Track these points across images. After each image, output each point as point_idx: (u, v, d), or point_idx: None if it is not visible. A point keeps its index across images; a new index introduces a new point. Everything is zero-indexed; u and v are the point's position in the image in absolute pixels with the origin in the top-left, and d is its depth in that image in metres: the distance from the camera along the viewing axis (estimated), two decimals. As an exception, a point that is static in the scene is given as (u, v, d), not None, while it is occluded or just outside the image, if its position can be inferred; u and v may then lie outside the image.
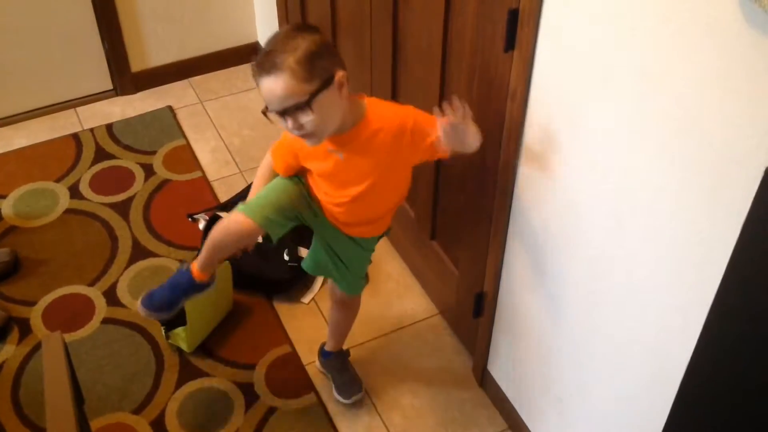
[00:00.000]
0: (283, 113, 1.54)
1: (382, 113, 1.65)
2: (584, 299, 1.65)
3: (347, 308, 2.14)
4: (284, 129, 1.60)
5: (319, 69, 1.51)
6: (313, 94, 1.51)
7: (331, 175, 1.73)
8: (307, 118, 1.53)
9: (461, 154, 1.72)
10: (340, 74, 1.54)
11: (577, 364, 1.76)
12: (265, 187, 1.83)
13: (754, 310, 1.06)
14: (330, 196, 1.77)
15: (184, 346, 2.29)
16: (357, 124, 1.63)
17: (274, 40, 1.54)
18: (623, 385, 1.61)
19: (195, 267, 1.87)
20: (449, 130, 1.53)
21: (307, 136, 1.58)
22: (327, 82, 1.53)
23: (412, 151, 1.66)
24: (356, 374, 2.25)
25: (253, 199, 1.80)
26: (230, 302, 2.43)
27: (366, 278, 2.03)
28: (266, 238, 1.81)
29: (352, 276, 1.98)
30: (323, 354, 2.26)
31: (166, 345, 2.33)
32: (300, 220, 1.83)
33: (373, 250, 1.96)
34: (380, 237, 1.93)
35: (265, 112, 1.59)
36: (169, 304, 1.91)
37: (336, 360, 2.24)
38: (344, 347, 2.25)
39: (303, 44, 1.50)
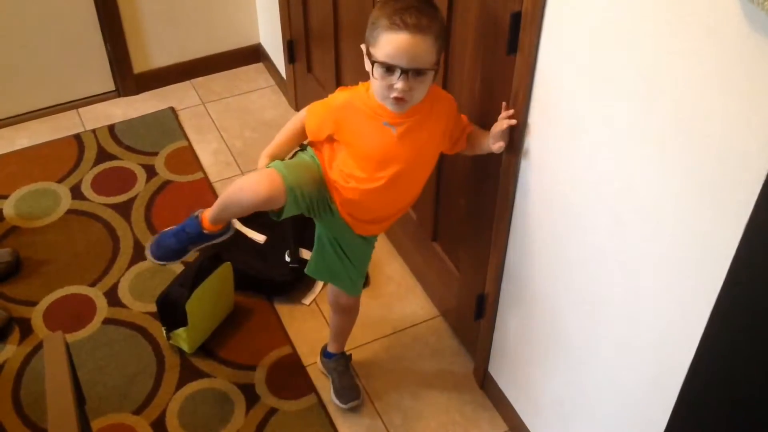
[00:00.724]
0: (406, 71, 1.56)
1: (439, 92, 1.73)
2: (585, 302, 1.65)
3: (348, 312, 2.14)
4: (382, 88, 1.60)
5: (443, 46, 1.62)
6: (437, 62, 1.61)
7: (375, 151, 1.70)
8: (422, 84, 1.60)
9: (473, 154, 1.75)
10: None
11: (579, 366, 1.76)
12: (295, 161, 1.77)
13: (756, 312, 1.06)
14: (361, 181, 1.72)
15: (185, 347, 2.29)
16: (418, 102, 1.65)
17: (411, 5, 1.54)
18: (624, 387, 1.61)
19: (205, 216, 1.83)
20: (502, 132, 1.66)
21: (401, 100, 1.61)
22: (439, 63, 1.63)
23: (445, 136, 1.74)
24: (355, 380, 2.25)
25: (288, 165, 1.72)
26: (231, 303, 2.44)
27: (366, 279, 2.04)
28: (273, 213, 1.75)
29: (357, 274, 1.98)
30: (325, 354, 2.26)
31: (167, 345, 2.33)
32: (310, 211, 1.78)
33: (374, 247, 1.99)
34: None
35: (372, 60, 1.59)
36: (176, 252, 1.88)
37: (337, 362, 2.24)
38: (346, 350, 2.25)
39: (440, 15, 1.59)
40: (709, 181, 1.20)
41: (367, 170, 1.72)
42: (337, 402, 2.21)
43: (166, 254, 1.90)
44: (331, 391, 2.23)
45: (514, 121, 1.64)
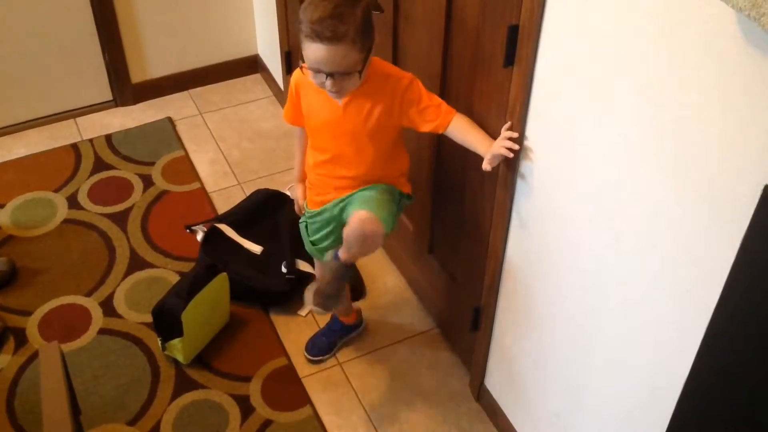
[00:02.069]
0: (331, 75, 1.65)
1: (384, 69, 1.78)
2: (581, 315, 1.65)
3: (363, 224, 1.82)
4: (316, 84, 1.71)
5: (368, 39, 1.65)
6: (365, 63, 1.67)
7: (326, 122, 1.83)
8: (351, 79, 1.67)
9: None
10: (375, 41, 1.68)
11: (574, 379, 1.76)
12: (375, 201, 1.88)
13: (753, 326, 1.06)
14: (322, 150, 1.89)
15: (180, 358, 2.29)
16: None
17: (330, 11, 1.59)
18: (620, 400, 1.60)
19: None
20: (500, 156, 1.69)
21: (336, 93, 1.72)
22: (370, 51, 1.68)
23: (395, 111, 1.78)
24: (339, 297, 2.03)
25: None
26: (227, 314, 2.43)
27: (363, 290, 2.04)
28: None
29: (373, 199, 1.87)
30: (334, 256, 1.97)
31: (162, 356, 2.33)
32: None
33: (390, 199, 1.91)
34: (398, 200, 1.95)
35: (302, 67, 1.74)
36: (329, 347, 2.36)
37: (340, 266, 1.95)
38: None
39: (359, 14, 1.61)
40: (706, 195, 1.21)
41: (320, 144, 1.88)
42: (305, 297, 2.03)
43: (320, 352, 2.35)
44: (308, 287, 2.03)
45: (516, 148, 1.65)
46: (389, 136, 1.86)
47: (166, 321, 2.24)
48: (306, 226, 2.06)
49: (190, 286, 2.23)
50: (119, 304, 2.49)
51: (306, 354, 2.35)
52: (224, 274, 2.33)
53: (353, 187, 1.91)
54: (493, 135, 1.76)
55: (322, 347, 2.36)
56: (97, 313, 2.46)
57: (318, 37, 1.60)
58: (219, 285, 2.32)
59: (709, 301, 1.20)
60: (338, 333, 2.37)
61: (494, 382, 2.16)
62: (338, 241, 1.94)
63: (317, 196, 1.98)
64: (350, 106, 1.79)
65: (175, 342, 2.24)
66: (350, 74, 1.67)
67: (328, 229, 2.00)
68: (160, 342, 2.29)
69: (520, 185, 1.73)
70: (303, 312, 2.50)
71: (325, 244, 2.02)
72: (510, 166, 1.72)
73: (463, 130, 1.79)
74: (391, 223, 1.89)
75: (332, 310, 2.24)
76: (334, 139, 1.86)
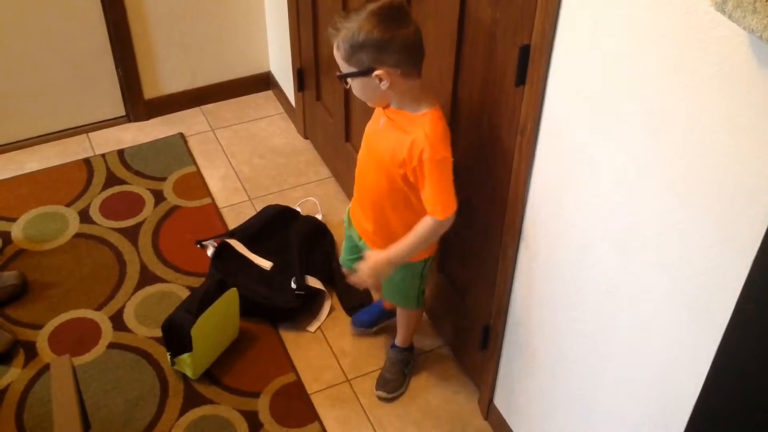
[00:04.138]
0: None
1: (431, 126, 1.72)
2: (591, 335, 1.65)
3: (400, 312, 2.27)
4: None
5: (357, 59, 1.65)
6: (346, 75, 1.69)
7: (369, 136, 1.89)
8: (354, 85, 1.72)
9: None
10: (379, 72, 1.65)
11: (585, 398, 1.75)
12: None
13: (764, 347, 1.06)
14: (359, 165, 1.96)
15: (189, 373, 2.29)
16: (407, 111, 1.75)
17: (358, 9, 1.65)
18: (631, 420, 1.60)
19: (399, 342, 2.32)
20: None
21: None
22: (362, 72, 1.67)
23: (400, 161, 1.77)
24: (395, 374, 2.32)
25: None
26: (236, 329, 2.43)
27: (417, 301, 2.14)
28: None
29: (395, 290, 2.12)
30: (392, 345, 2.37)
31: (171, 371, 2.33)
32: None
33: (412, 276, 2.06)
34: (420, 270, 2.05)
35: None
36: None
37: (394, 353, 2.33)
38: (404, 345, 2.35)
39: (356, 29, 1.62)
40: (718, 216, 1.21)
41: (360, 152, 1.94)
42: (377, 392, 2.31)
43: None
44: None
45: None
46: (397, 191, 1.84)
47: (176, 336, 2.24)
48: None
49: (200, 301, 2.23)
50: (129, 318, 2.49)
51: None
52: (234, 289, 2.33)
53: (371, 240, 1.98)
54: (503, 154, 1.76)
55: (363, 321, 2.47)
56: (107, 327, 2.47)
57: (331, 27, 1.67)
58: (229, 300, 2.32)
59: (720, 321, 1.20)
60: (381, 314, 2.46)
61: (503, 401, 2.15)
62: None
63: (354, 204, 2.04)
64: (388, 129, 1.80)
65: (185, 357, 2.24)
66: (349, 79, 1.69)
67: (354, 256, 2.12)
68: (169, 357, 2.29)
69: (530, 204, 1.74)
70: (312, 328, 2.50)
71: (351, 265, 2.13)
72: (520, 184, 1.72)
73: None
74: (415, 301, 2.14)
75: (396, 394, 2.31)
76: (366, 153, 1.91)
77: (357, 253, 2.10)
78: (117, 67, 3.19)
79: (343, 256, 2.24)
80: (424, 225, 1.80)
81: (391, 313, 2.44)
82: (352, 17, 1.63)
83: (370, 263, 1.87)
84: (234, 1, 3.22)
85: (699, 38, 1.15)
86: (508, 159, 1.75)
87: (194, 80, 3.36)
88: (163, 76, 3.29)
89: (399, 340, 2.32)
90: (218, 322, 2.31)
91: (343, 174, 2.92)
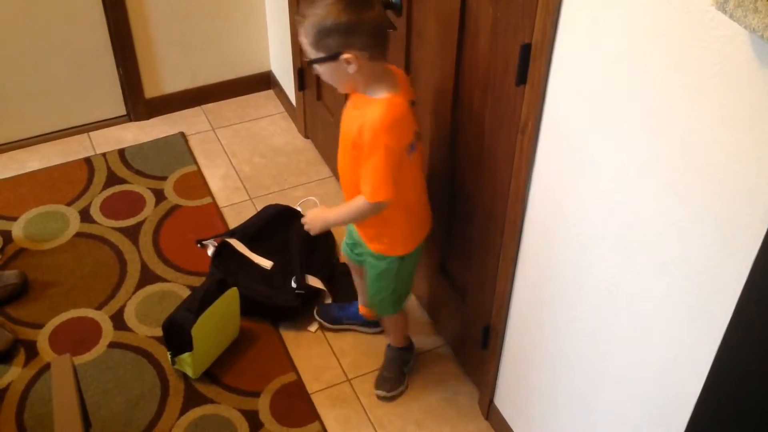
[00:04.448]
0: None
1: (380, 112, 1.74)
2: (591, 334, 1.65)
3: (383, 321, 2.32)
4: None
5: (324, 44, 1.68)
6: (315, 61, 1.72)
7: (341, 120, 1.90)
8: (322, 71, 1.75)
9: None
10: (347, 55, 1.67)
11: (585, 398, 1.75)
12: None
13: (765, 346, 1.06)
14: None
15: (189, 372, 2.29)
16: (368, 94, 1.78)
17: None
18: (631, 421, 1.59)
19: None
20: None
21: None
22: (330, 57, 1.69)
23: (360, 160, 1.80)
24: (393, 373, 2.32)
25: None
26: (237, 329, 2.43)
27: (394, 306, 2.14)
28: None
29: (372, 289, 2.12)
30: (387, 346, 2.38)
31: (172, 370, 2.33)
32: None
33: (383, 276, 2.06)
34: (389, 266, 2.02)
35: None
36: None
37: (390, 351, 2.34)
38: (399, 345, 2.34)
39: (323, 15, 1.65)
40: (717, 215, 1.21)
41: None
42: (377, 391, 2.32)
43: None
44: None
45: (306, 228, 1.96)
46: (358, 166, 1.85)
47: (176, 335, 2.24)
48: None
49: (200, 301, 2.23)
50: (130, 317, 2.49)
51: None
52: (234, 288, 2.33)
53: (346, 195, 2.00)
54: (503, 153, 1.76)
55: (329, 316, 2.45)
56: (107, 326, 2.47)
57: (297, 12, 1.74)
58: (229, 299, 2.32)
59: (721, 320, 1.20)
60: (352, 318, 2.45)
61: (504, 401, 2.15)
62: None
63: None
64: (351, 112, 1.85)
65: (185, 356, 2.24)
66: (317, 64, 1.72)
67: (350, 241, 2.19)
68: (169, 356, 2.29)
69: (531, 204, 1.74)
70: (312, 328, 2.50)
71: (349, 250, 2.23)
72: (521, 184, 1.72)
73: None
74: (392, 306, 2.16)
75: (395, 392, 2.31)
76: (341, 140, 1.90)
77: (352, 239, 2.16)
78: (118, 67, 3.19)
79: (345, 240, 2.27)
80: (356, 200, 1.86)
81: (361, 321, 2.45)
82: (318, 3, 1.66)
83: (309, 213, 1.98)
84: (234, 0, 3.22)
85: (700, 37, 1.14)
86: (508, 158, 1.75)
87: (195, 79, 3.36)
88: (164, 76, 3.29)
89: (391, 341, 2.34)
90: (219, 322, 2.31)
91: (344, 173, 2.92)
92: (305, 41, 1.71)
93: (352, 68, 1.70)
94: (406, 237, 2.01)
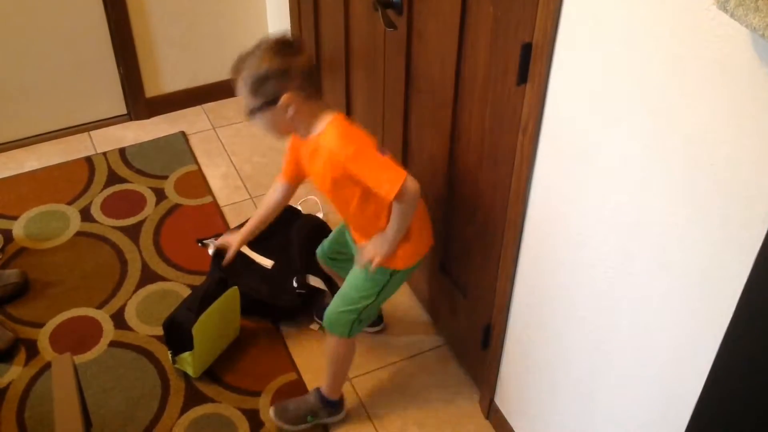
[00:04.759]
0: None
1: (330, 137, 1.79)
2: (593, 333, 1.65)
3: (326, 344, 2.13)
4: None
5: (263, 91, 1.75)
6: (255, 109, 1.77)
7: (305, 167, 1.94)
8: (255, 122, 1.82)
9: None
10: (285, 97, 1.74)
11: (585, 398, 1.75)
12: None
13: (765, 347, 1.06)
14: None
15: (190, 371, 2.29)
16: (312, 135, 1.82)
17: (253, 48, 1.78)
18: (631, 420, 1.59)
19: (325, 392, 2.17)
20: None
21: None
22: (271, 102, 1.75)
23: (353, 183, 1.80)
24: (301, 421, 2.18)
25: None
26: (237, 328, 2.43)
27: (350, 328, 2.03)
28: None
29: (338, 297, 2.04)
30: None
31: (173, 369, 2.33)
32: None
33: (363, 293, 2.00)
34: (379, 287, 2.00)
35: None
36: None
37: (311, 393, 2.20)
38: (333, 397, 2.19)
39: (257, 64, 1.74)
40: (718, 216, 1.21)
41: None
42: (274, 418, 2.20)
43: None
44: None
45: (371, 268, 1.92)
46: (356, 195, 1.85)
47: (177, 334, 2.24)
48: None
49: (201, 300, 2.23)
50: (130, 316, 2.50)
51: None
52: (235, 287, 2.33)
53: (353, 227, 2.02)
54: (504, 152, 1.76)
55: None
56: (108, 325, 2.47)
57: (231, 70, 1.80)
58: (230, 298, 2.32)
59: (722, 321, 1.20)
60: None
61: (504, 400, 2.15)
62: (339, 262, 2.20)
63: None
64: (311, 157, 1.86)
65: (186, 355, 2.24)
66: (250, 115, 1.79)
67: (338, 248, 2.20)
68: (170, 355, 2.29)
69: (531, 203, 1.74)
70: (314, 326, 2.50)
71: (326, 253, 2.26)
72: (522, 183, 1.72)
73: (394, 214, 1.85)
74: (349, 326, 2.02)
75: (287, 427, 2.18)
76: (321, 188, 1.91)
77: (343, 247, 2.17)
78: (118, 66, 3.19)
79: (325, 244, 2.26)
80: (393, 211, 1.84)
81: (374, 322, 2.43)
82: (250, 57, 1.76)
83: (366, 254, 1.93)
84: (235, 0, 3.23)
85: (701, 37, 1.14)
86: (509, 158, 1.75)
87: (195, 78, 3.36)
88: (165, 75, 3.29)
89: (324, 384, 2.18)
90: (219, 321, 2.31)
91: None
92: (244, 93, 1.77)
93: (291, 110, 1.76)
94: (410, 252, 1.96)
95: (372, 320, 2.14)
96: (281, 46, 1.76)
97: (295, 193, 2.13)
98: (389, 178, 1.75)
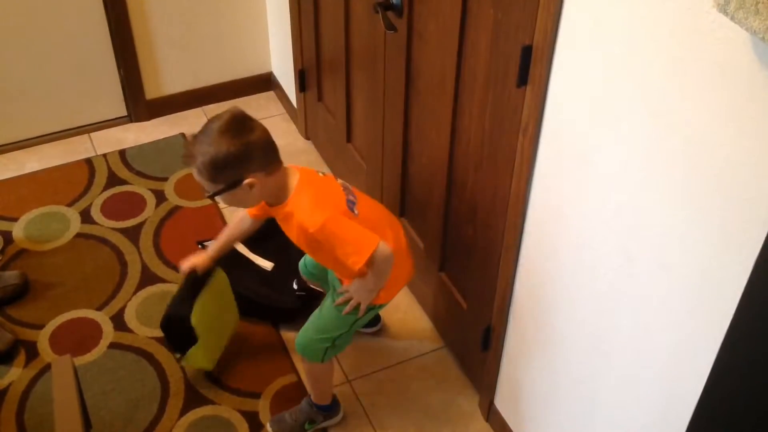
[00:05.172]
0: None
1: (298, 208, 1.76)
2: (592, 335, 1.65)
3: (302, 365, 2.17)
4: None
5: (224, 176, 1.68)
6: (216, 193, 1.71)
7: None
8: (225, 198, 1.75)
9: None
10: (248, 180, 1.69)
11: (585, 400, 1.75)
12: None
13: (766, 348, 1.06)
14: None
15: (204, 364, 2.24)
16: (279, 205, 1.79)
17: (203, 131, 1.69)
18: (631, 422, 1.59)
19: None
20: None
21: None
22: (232, 185, 1.70)
23: (329, 249, 1.78)
24: (299, 428, 2.19)
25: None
26: (236, 313, 2.37)
27: (323, 355, 2.02)
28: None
29: (311, 324, 2.03)
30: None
31: (173, 371, 2.32)
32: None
33: (338, 326, 1.98)
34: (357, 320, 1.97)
35: None
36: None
37: (303, 403, 2.20)
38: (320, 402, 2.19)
39: (213, 151, 1.65)
40: (719, 218, 1.21)
41: None
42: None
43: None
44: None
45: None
46: (333, 253, 1.80)
47: (177, 330, 2.19)
48: None
49: (191, 290, 2.16)
50: (130, 318, 2.49)
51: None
52: (220, 269, 2.24)
53: (335, 271, 2.01)
54: (504, 154, 1.76)
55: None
56: (107, 327, 2.47)
57: (184, 155, 1.73)
58: (219, 281, 2.24)
59: (722, 323, 1.20)
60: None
61: (504, 403, 2.15)
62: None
63: None
64: (284, 222, 1.84)
65: (193, 350, 2.18)
66: (213, 198, 1.74)
67: (317, 271, 2.19)
68: (177, 358, 2.26)
69: (531, 205, 1.74)
70: (313, 329, 2.50)
71: (309, 271, 2.23)
72: (522, 185, 1.72)
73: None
74: (321, 354, 2.01)
75: None
76: (299, 245, 1.88)
77: (324, 272, 2.15)
78: (119, 68, 3.19)
79: (307, 259, 2.23)
80: (366, 276, 1.83)
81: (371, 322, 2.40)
82: (202, 140, 1.67)
83: (348, 295, 1.91)
84: (236, 1, 3.23)
85: (701, 39, 1.14)
86: (509, 159, 1.75)
87: (196, 80, 3.36)
88: (165, 77, 3.29)
89: (312, 394, 2.19)
90: (216, 306, 2.23)
91: (345, 175, 2.92)
92: (202, 179, 1.71)
93: (256, 189, 1.72)
94: (388, 289, 1.94)
95: (347, 345, 2.07)
96: (234, 125, 1.68)
97: (251, 227, 2.10)
98: (356, 250, 1.75)
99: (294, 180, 1.78)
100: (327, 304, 2.00)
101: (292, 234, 1.82)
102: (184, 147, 1.71)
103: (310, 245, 1.83)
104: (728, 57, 1.10)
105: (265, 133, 1.72)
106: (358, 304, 1.92)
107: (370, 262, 1.76)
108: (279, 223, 1.87)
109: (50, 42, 3.02)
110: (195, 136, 1.70)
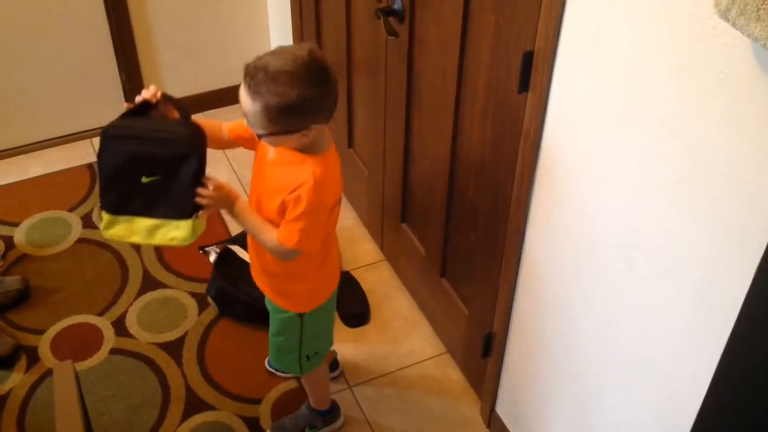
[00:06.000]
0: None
1: (316, 167, 1.60)
2: (594, 342, 1.65)
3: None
4: None
5: (285, 121, 1.53)
6: (269, 134, 1.56)
7: (260, 166, 1.74)
8: (264, 138, 1.59)
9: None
10: (305, 131, 1.55)
11: (587, 406, 1.74)
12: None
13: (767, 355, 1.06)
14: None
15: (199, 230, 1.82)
16: (297, 150, 1.62)
17: (278, 62, 1.51)
18: (633, 429, 1.59)
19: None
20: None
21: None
22: (288, 131, 1.55)
23: (290, 205, 1.63)
24: None
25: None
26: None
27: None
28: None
29: (271, 345, 1.99)
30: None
31: (173, 377, 2.32)
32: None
33: (281, 340, 1.94)
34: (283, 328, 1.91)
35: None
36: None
37: (303, 408, 2.20)
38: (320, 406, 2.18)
39: (286, 93, 1.48)
40: (721, 224, 1.21)
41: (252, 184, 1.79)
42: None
43: None
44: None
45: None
46: (273, 211, 1.67)
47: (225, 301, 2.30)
48: None
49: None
50: (131, 323, 2.49)
51: None
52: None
53: (262, 283, 1.90)
54: (506, 160, 1.76)
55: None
56: (109, 332, 2.47)
57: (246, 78, 1.54)
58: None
59: (725, 327, 1.20)
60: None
61: (505, 409, 2.15)
62: None
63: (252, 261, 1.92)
64: (278, 161, 1.68)
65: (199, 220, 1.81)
66: (257, 136, 1.58)
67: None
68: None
69: (533, 211, 1.74)
70: (314, 334, 2.49)
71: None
72: (523, 190, 1.72)
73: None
74: (298, 365, 1.96)
75: None
76: (254, 182, 1.78)
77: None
78: (120, 72, 3.19)
79: None
80: (271, 231, 1.67)
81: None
82: (279, 79, 1.49)
83: (221, 190, 1.68)
84: (237, 6, 3.23)
85: (702, 45, 1.14)
86: (510, 165, 1.75)
87: (197, 86, 3.37)
88: (167, 81, 3.30)
89: (310, 400, 2.18)
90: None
91: (346, 180, 2.90)
92: (259, 117, 1.53)
93: (306, 137, 1.57)
94: (311, 295, 1.87)
95: (325, 352, 2.02)
96: (317, 72, 1.51)
97: (222, 143, 1.87)
98: (302, 231, 1.63)
99: (328, 144, 1.66)
100: (270, 321, 1.95)
101: (283, 178, 1.64)
102: (254, 72, 1.51)
103: (284, 203, 1.63)
104: (730, 63, 1.10)
105: (337, 81, 1.57)
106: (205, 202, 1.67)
107: (281, 247, 1.65)
108: (267, 160, 1.70)
109: (52, 47, 3.03)
110: (267, 67, 1.51)
